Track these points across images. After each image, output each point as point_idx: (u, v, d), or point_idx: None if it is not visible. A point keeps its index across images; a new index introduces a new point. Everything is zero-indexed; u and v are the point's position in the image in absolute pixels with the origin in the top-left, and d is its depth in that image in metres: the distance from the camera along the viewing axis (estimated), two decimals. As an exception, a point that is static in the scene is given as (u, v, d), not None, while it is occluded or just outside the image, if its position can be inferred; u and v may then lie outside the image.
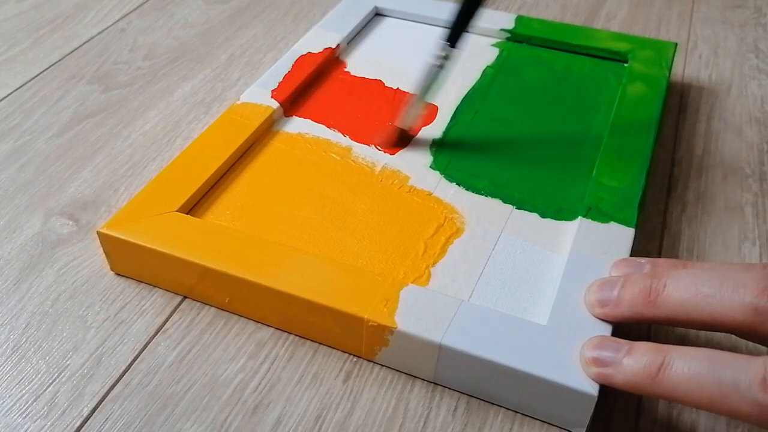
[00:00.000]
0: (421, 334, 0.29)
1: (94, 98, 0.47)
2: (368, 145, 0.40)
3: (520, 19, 0.50)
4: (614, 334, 0.29)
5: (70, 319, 0.33)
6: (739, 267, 0.27)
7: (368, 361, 0.31)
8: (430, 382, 0.31)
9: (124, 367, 0.31)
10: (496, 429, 0.29)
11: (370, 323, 0.29)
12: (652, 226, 0.39)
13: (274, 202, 0.37)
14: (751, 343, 0.32)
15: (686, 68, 0.52)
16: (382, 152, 0.40)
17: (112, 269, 0.35)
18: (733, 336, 0.32)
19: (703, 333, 0.33)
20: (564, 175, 0.39)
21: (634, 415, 0.30)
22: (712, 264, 0.29)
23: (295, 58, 0.45)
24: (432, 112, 0.43)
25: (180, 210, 0.34)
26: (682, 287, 0.27)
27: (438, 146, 0.40)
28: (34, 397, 0.30)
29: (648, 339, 0.30)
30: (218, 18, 0.57)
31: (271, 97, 0.42)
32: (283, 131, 0.41)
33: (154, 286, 0.34)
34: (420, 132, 0.41)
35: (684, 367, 0.25)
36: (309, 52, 0.46)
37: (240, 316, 0.33)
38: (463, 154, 0.40)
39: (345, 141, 0.41)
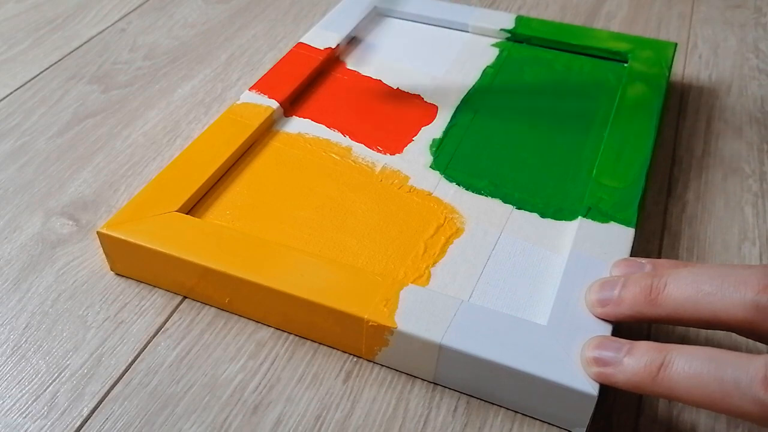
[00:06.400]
0: (421, 334, 0.29)
1: (94, 98, 0.47)
2: (368, 146, 0.40)
3: (520, 19, 0.50)
4: (614, 333, 0.29)
5: (70, 319, 0.33)
6: (739, 266, 0.27)
7: (368, 361, 0.31)
8: (430, 382, 0.30)
9: (124, 367, 0.31)
10: (496, 429, 0.29)
11: (370, 323, 0.29)
12: (652, 226, 0.39)
13: (274, 202, 0.37)
14: (751, 342, 0.32)
15: (686, 68, 0.52)
16: (383, 153, 0.40)
17: (112, 269, 0.35)
18: (733, 335, 0.32)
19: (703, 332, 0.33)
20: (564, 175, 0.39)
21: (634, 415, 0.30)
22: (712, 264, 0.29)
23: (294, 58, 0.45)
24: (432, 112, 0.43)
25: (180, 210, 0.34)
26: (683, 285, 0.27)
27: (438, 146, 0.40)
28: (34, 397, 0.30)
29: (648, 338, 0.30)
30: (218, 18, 0.57)
31: (271, 97, 0.42)
32: (283, 131, 0.41)
33: (154, 286, 0.34)
34: (420, 132, 0.41)
35: (685, 366, 0.25)
36: (306, 44, 0.46)
37: (240, 316, 0.33)
38: (463, 154, 0.40)
39: (345, 141, 0.41)
